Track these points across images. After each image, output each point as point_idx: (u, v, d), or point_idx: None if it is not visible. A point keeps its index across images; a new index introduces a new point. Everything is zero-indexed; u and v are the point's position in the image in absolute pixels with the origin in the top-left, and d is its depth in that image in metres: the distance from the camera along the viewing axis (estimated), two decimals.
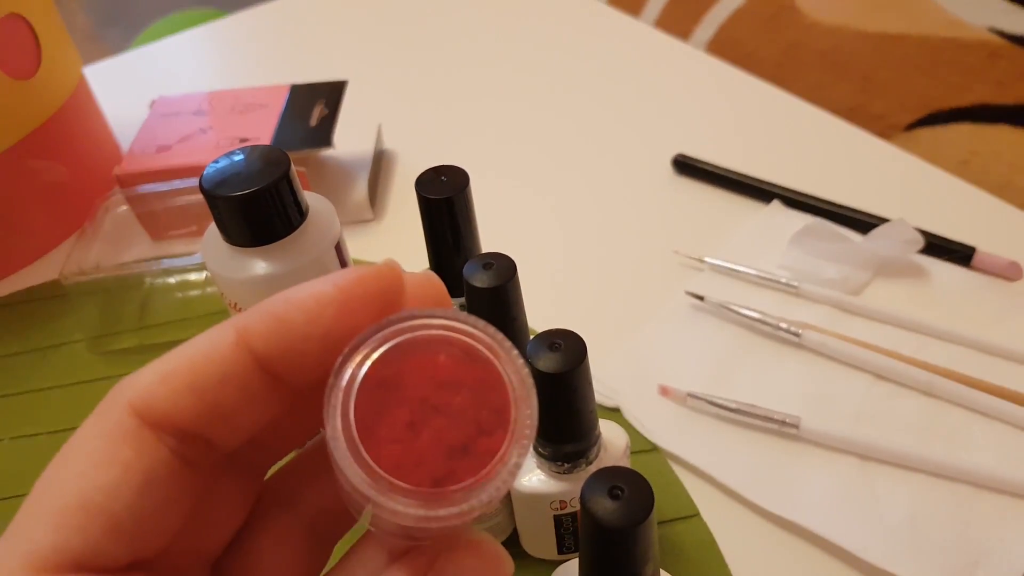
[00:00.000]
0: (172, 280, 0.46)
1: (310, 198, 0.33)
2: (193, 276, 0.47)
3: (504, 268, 0.31)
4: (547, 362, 0.27)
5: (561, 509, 0.31)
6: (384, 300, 0.16)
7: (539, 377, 0.27)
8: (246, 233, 0.30)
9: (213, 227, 0.32)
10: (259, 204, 0.30)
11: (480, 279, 0.31)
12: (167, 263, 0.44)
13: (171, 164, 0.50)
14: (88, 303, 0.47)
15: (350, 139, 0.55)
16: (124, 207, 0.50)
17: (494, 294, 0.31)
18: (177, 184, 0.49)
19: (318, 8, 0.79)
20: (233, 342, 0.16)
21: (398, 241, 0.51)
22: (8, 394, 0.45)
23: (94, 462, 0.15)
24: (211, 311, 0.46)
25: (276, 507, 0.19)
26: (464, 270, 0.31)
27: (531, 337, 0.35)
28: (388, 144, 0.59)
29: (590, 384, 0.28)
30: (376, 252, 0.50)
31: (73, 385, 0.45)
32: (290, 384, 0.16)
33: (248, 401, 0.16)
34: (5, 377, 0.46)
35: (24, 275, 0.52)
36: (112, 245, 0.49)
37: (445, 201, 0.35)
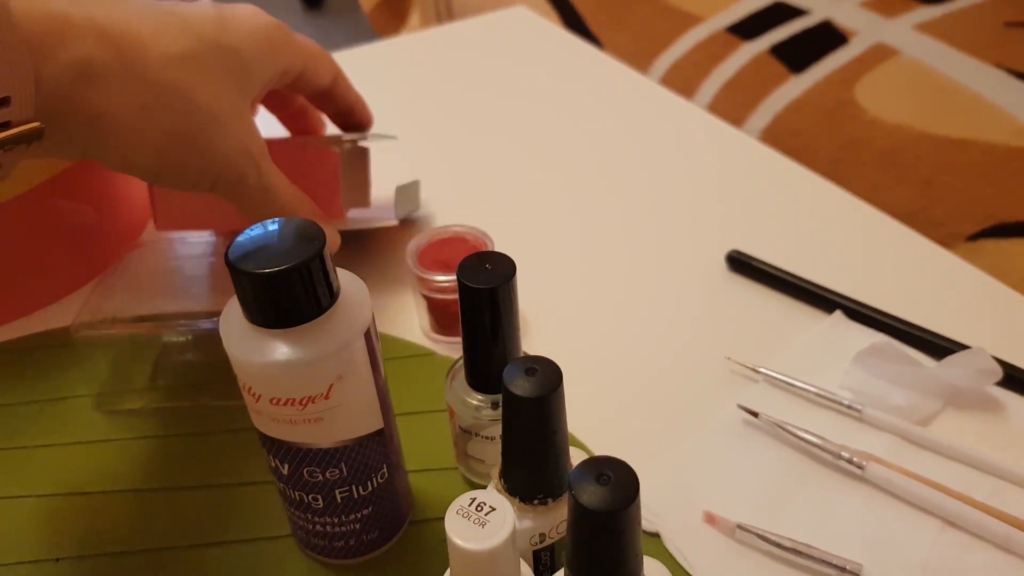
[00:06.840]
0: (190, 340, 0.43)
1: (343, 277, 0.30)
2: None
3: (549, 376, 0.28)
4: (592, 497, 0.23)
5: None
6: None
7: (582, 514, 0.23)
8: (269, 313, 0.28)
9: (235, 301, 0.29)
10: (286, 283, 0.27)
11: (521, 386, 0.28)
12: (186, 324, 0.41)
13: (208, 217, 0.48)
14: (98, 356, 0.44)
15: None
16: (150, 257, 0.48)
17: (536, 404, 0.28)
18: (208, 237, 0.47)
19: (363, 66, 0.78)
20: None
21: None
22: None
23: None
24: (227, 379, 0.43)
25: None
26: (504, 373, 0.28)
27: (570, 451, 0.31)
28: (426, 210, 0.57)
29: (639, 525, 0.24)
30: None
31: (71, 444, 0.42)
32: None
33: None
34: None
35: (39, 318, 0.50)
36: (133, 296, 0.47)
37: (488, 291, 0.32)
